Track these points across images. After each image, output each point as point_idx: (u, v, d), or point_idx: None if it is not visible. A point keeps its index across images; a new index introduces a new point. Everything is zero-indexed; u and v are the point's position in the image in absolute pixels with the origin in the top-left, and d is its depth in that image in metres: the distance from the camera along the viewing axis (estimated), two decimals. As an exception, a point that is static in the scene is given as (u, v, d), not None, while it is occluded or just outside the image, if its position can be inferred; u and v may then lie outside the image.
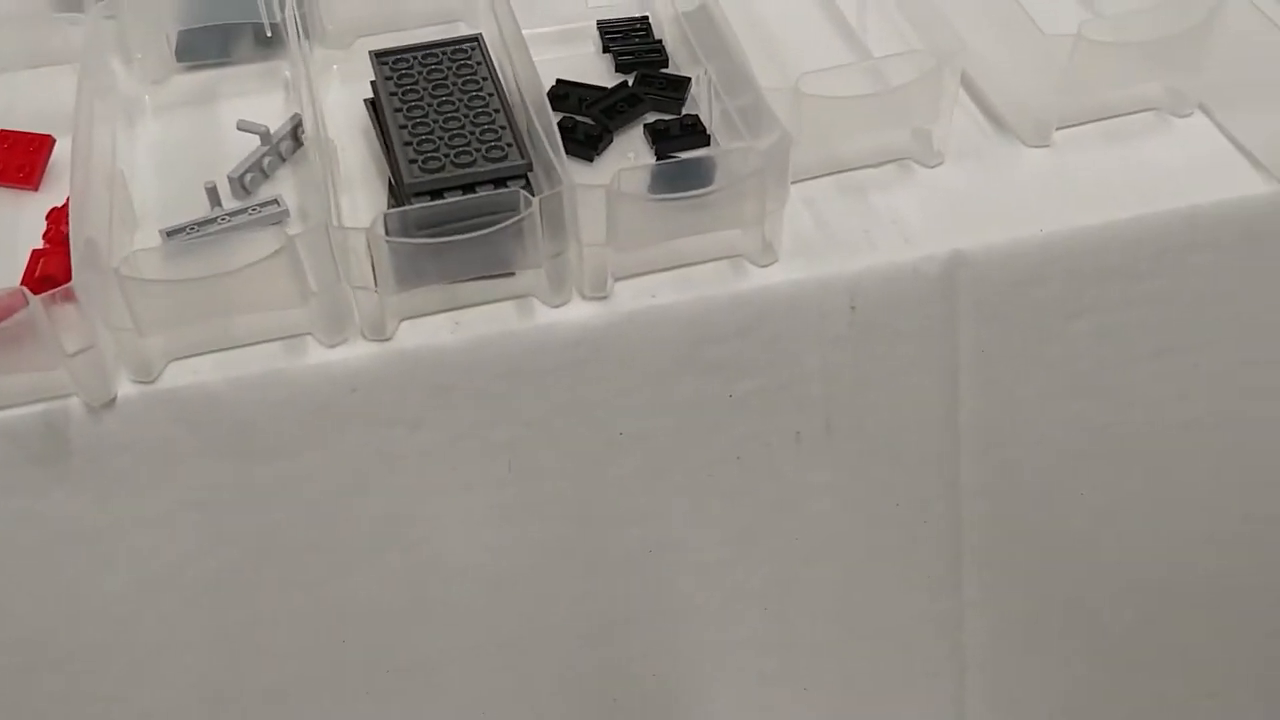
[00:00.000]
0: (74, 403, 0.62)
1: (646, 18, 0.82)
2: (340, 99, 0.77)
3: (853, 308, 0.68)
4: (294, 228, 0.69)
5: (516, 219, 0.62)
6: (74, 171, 0.62)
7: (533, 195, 0.66)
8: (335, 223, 0.61)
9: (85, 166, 0.63)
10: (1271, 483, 0.79)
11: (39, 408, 0.61)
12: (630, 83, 0.77)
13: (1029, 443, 0.75)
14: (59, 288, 0.58)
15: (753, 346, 0.68)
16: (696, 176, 0.64)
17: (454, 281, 0.65)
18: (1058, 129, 0.74)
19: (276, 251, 0.59)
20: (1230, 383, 0.75)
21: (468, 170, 0.67)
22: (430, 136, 0.69)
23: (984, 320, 0.70)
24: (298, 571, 0.67)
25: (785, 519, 0.73)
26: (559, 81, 0.77)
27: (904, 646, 0.80)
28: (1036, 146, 0.73)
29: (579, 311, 0.66)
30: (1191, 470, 0.78)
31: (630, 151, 0.74)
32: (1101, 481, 0.77)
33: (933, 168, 0.72)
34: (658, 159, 0.72)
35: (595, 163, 0.73)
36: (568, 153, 0.72)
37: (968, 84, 0.75)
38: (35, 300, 0.57)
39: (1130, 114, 0.75)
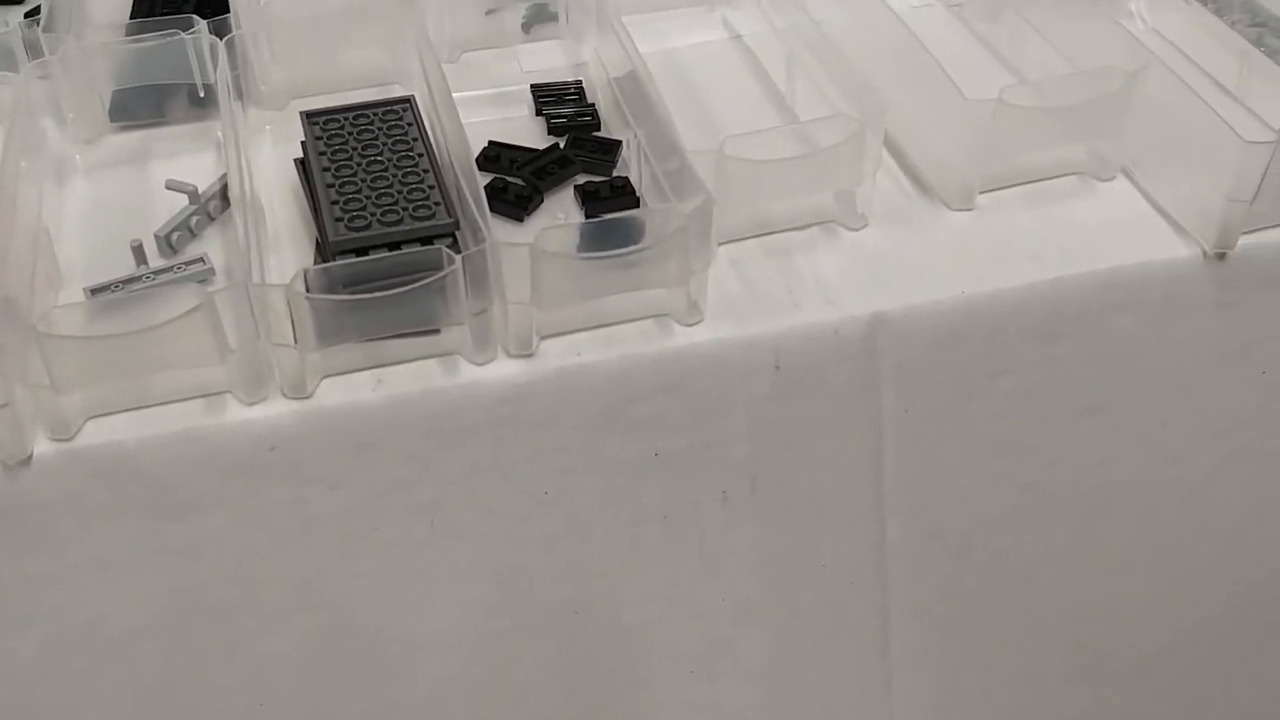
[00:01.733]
0: (-12, 460, 0.61)
1: (580, 82, 0.83)
2: (271, 159, 0.77)
3: (777, 367, 0.68)
4: (219, 285, 0.69)
5: (439, 276, 0.62)
6: (-4, 231, 0.62)
7: (459, 253, 0.66)
8: (256, 280, 0.61)
9: (8, 225, 0.63)
10: (1192, 542, 0.80)
11: (-48, 465, 0.61)
12: (562, 145, 0.78)
13: (954, 502, 0.75)
14: (-30, 347, 0.58)
15: (678, 405, 0.68)
16: (621, 236, 0.65)
17: (377, 339, 0.65)
18: (981, 192, 0.75)
19: (195, 308, 0.59)
20: (1151, 443, 0.76)
21: (394, 229, 0.67)
22: (358, 195, 0.69)
23: (906, 380, 0.71)
24: (215, 631, 0.67)
25: (712, 579, 0.73)
26: (491, 143, 0.78)
27: (831, 708, 0.79)
28: (960, 209, 0.74)
29: (503, 369, 0.66)
30: (1115, 529, 0.78)
31: (560, 212, 0.75)
32: (1027, 540, 0.77)
33: (856, 230, 0.73)
34: (587, 220, 0.73)
35: (525, 223, 0.74)
36: (498, 213, 0.73)
37: (892, 147, 0.77)
38: (-52, 357, 0.57)
39: (1053, 177, 0.76)
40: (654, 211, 0.67)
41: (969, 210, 0.74)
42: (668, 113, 0.71)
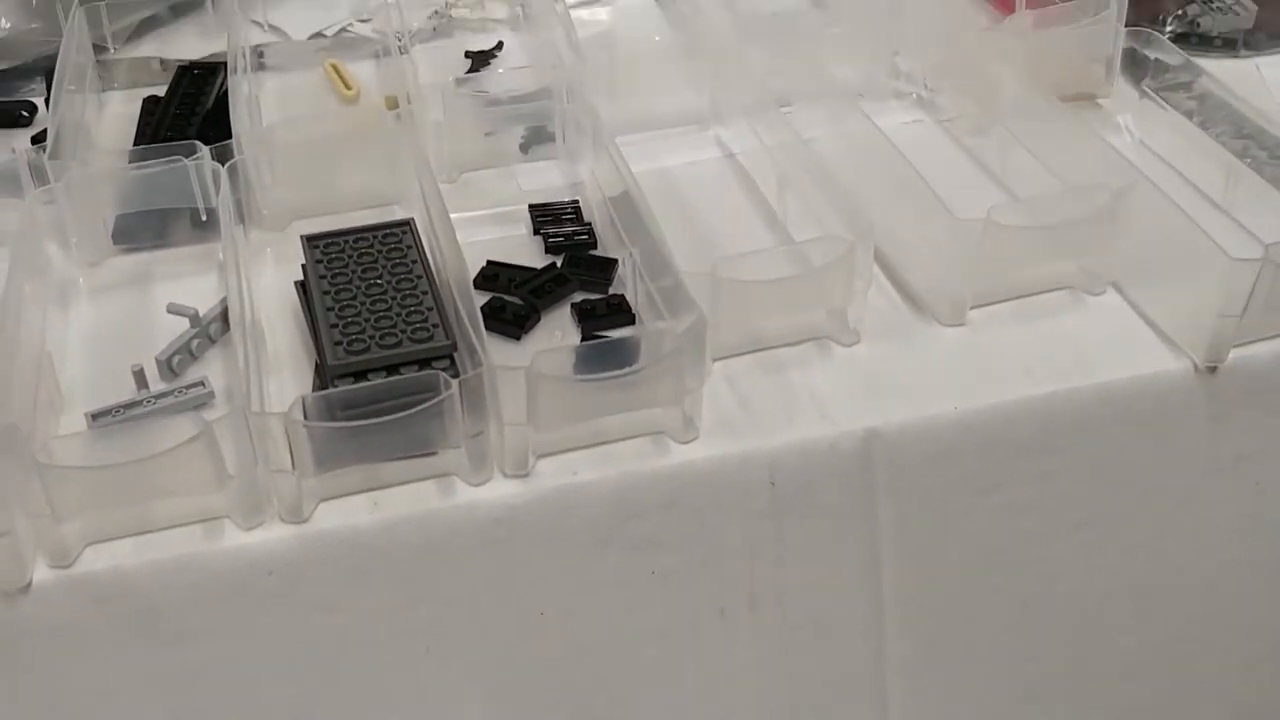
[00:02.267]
0: (-13, 588, 0.61)
1: (577, 201, 0.84)
2: (273, 281, 0.78)
3: (773, 483, 0.69)
4: (219, 410, 0.70)
5: (436, 400, 0.63)
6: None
7: (456, 375, 0.67)
8: (256, 407, 0.62)
9: (11, 351, 0.64)
10: (1190, 653, 0.80)
11: (-47, 594, 0.61)
12: (559, 264, 0.79)
13: (952, 615, 0.75)
14: (-28, 475, 0.58)
15: (675, 522, 0.68)
16: (617, 357, 0.66)
17: (373, 462, 0.65)
18: (972, 308, 0.76)
19: (194, 438, 0.60)
20: (1146, 555, 0.76)
21: (392, 351, 0.68)
22: (357, 318, 0.70)
23: (902, 495, 0.71)
24: (211, 758, 0.66)
25: (711, 696, 0.73)
26: (489, 262, 0.79)
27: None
28: (952, 325, 0.75)
29: (500, 490, 0.66)
30: (1113, 639, 0.78)
31: (557, 330, 0.76)
32: (1025, 653, 0.77)
33: (849, 346, 0.74)
34: (584, 338, 0.74)
35: (523, 341, 0.75)
36: (496, 332, 0.74)
37: (884, 265, 0.78)
38: (-51, 488, 0.57)
39: (1044, 292, 0.77)
40: (649, 332, 0.68)
41: (961, 326, 0.75)
42: (661, 232, 0.72)
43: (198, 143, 0.77)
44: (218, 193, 0.77)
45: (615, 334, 0.74)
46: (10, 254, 0.70)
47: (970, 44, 0.91)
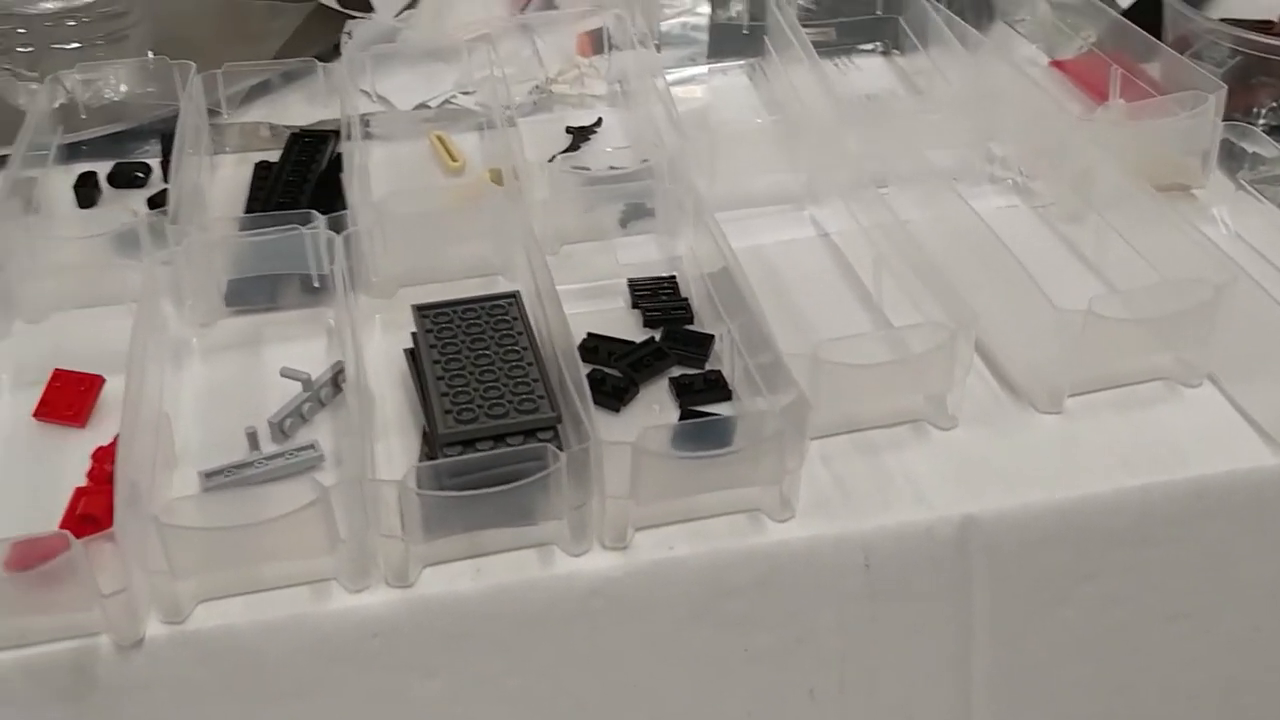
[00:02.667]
0: (102, 641, 0.63)
1: (674, 277, 0.86)
2: (381, 347, 0.80)
3: (867, 566, 0.69)
4: (328, 473, 0.72)
5: (544, 474, 0.64)
6: (125, 416, 0.65)
7: (561, 447, 0.69)
8: (370, 475, 0.64)
9: (135, 411, 0.66)
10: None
11: (68, 645, 0.63)
12: (657, 338, 0.81)
13: (1042, 704, 0.75)
14: (100, 532, 0.60)
15: (768, 601, 0.69)
16: (721, 436, 0.67)
17: (479, 530, 0.66)
18: (1069, 396, 0.76)
19: (312, 503, 0.61)
20: (1242, 648, 0.75)
21: (500, 421, 0.70)
22: (465, 388, 0.72)
23: (996, 581, 0.71)
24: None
25: (798, 777, 0.73)
26: (589, 335, 0.81)
27: None
28: (1048, 413, 0.76)
29: (598, 561, 0.67)
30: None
31: (655, 404, 0.77)
32: (1117, 746, 0.77)
33: (946, 430, 0.74)
34: (681, 413, 0.75)
35: (621, 413, 0.76)
36: (596, 403, 0.76)
37: (980, 349, 0.78)
38: (77, 544, 0.59)
39: (1140, 383, 0.77)
40: (751, 412, 0.69)
41: (1057, 414, 0.76)
42: (761, 310, 0.73)
43: (314, 212, 0.80)
44: (331, 260, 0.80)
45: (713, 409, 0.75)
46: (135, 314, 0.73)
47: (1066, 132, 0.92)
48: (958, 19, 1.03)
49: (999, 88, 0.96)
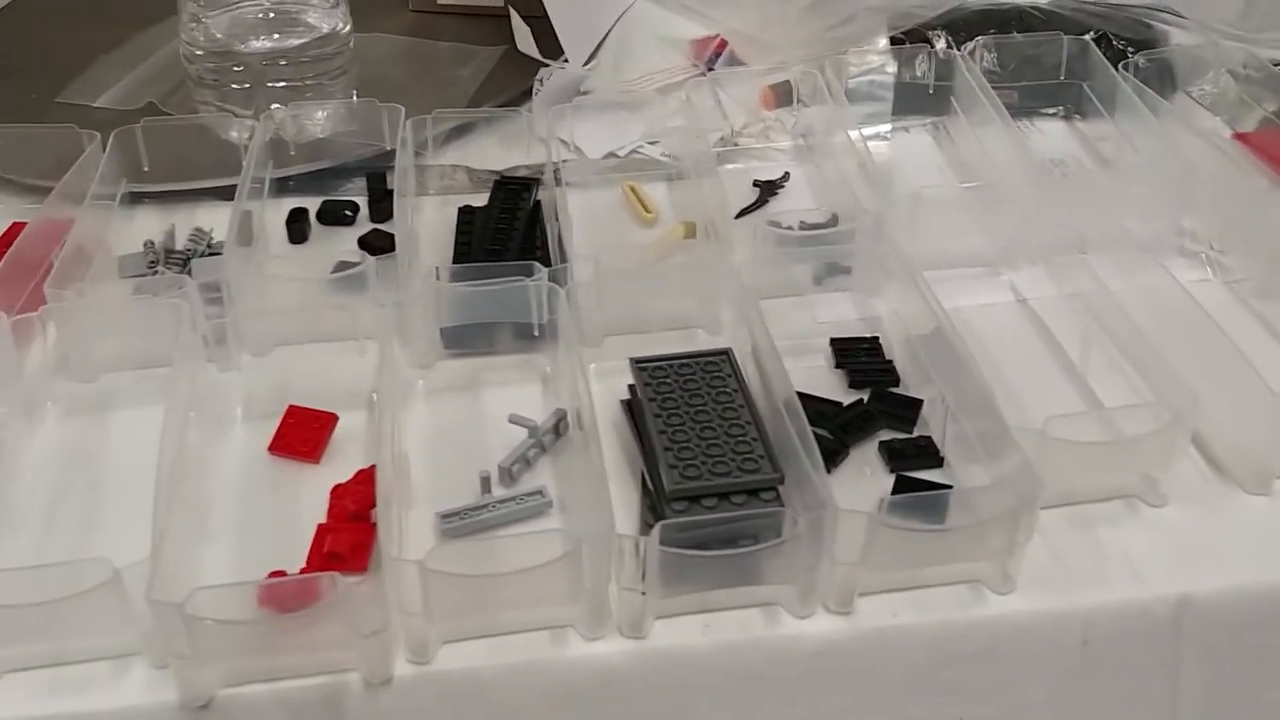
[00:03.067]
0: (354, 678, 0.66)
1: (877, 338, 0.87)
2: (595, 395, 0.82)
3: (1085, 642, 0.70)
4: (555, 519, 0.74)
5: (782, 540, 0.66)
6: (380, 458, 0.68)
7: (782, 504, 0.71)
8: (614, 529, 0.66)
9: (389, 453, 0.69)
10: None
11: (321, 680, 0.66)
12: (865, 400, 0.82)
13: (1248, 786, 0.75)
14: (360, 574, 0.63)
15: (986, 672, 0.70)
16: (950, 509, 0.68)
17: (713, 588, 0.68)
18: (1278, 479, 0.77)
19: (564, 555, 0.64)
20: None
21: (723, 480, 0.72)
22: (688, 444, 0.74)
23: (1207, 662, 0.72)
24: None
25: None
26: (797, 394, 0.82)
27: None
28: (1256, 494, 0.76)
29: (822, 625, 0.69)
30: None
31: (865, 467, 0.78)
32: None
33: (1157, 508, 0.75)
34: (895, 479, 0.77)
35: (832, 474, 0.78)
36: (808, 466, 0.77)
37: (1189, 428, 0.79)
38: (344, 585, 0.62)
39: (1350, 467, 0.78)
40: (984, 488, 0.71)
41: (1265, 495, 0.76)
42: (982, 375, 0.75)
43: (537, 264, 0.82)
44: (553, 311, 0.82)
45: (923, 475, 0.77)
46: (379, 356, 0.76)
47: (1261, 206, 0.93)
48: (1146, 88, 1.03)
49: (1190, 159, 0.96)
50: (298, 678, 0.66)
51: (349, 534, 0.71)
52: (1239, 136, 1.09)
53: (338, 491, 0.74)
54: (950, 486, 0.75)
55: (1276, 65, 1.09)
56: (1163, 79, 1.10)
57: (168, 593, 0.62)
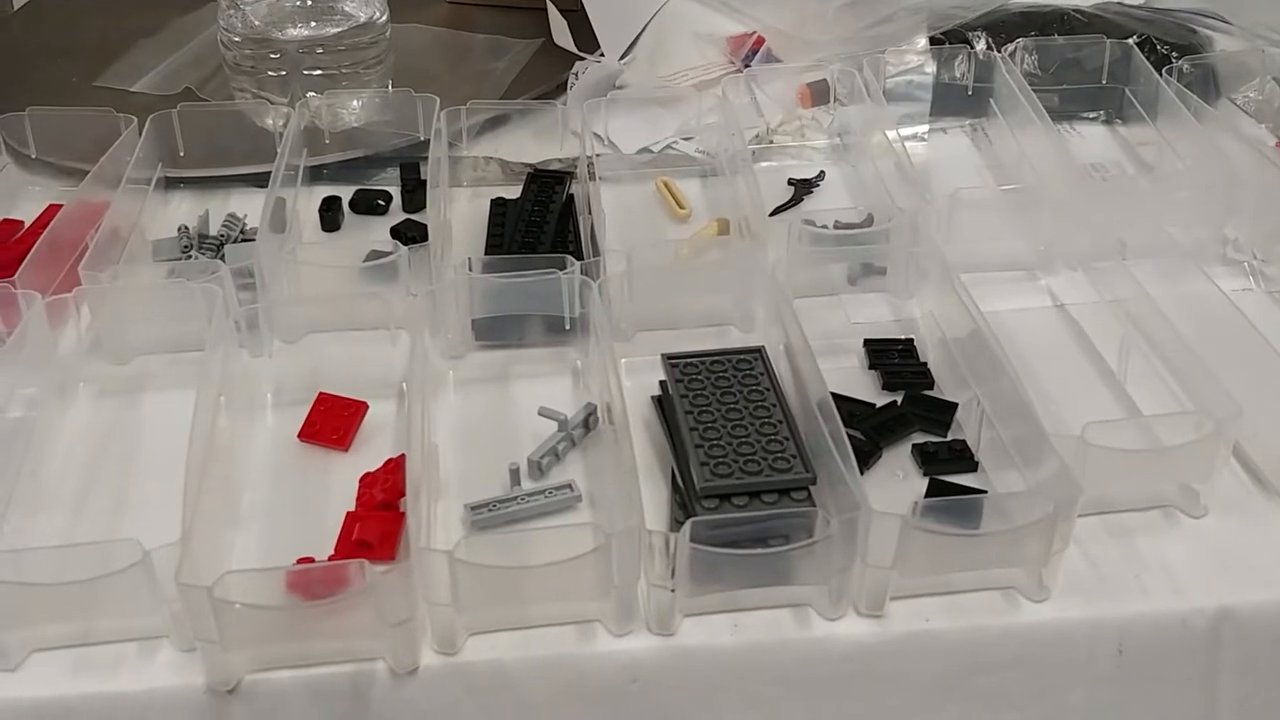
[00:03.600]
0: (380, 667, 0.65)
1: (911, 340, 0.86)
2: (626, 390, 0.82)
3: (1120, 651, 0.69)
4: (583, 513, 0.73)
5: (815, 540, 0.65)
6: (411, 448, 0.68)
7: (814, 505, 0.70)
8: (644, 524, 0.65)
9: (419, 444, 0.69)
10: None
11: (348, 668, 0.65)
12: (899, 402, 0.81)
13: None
14: (390, 563, 0.63)
15: (1020, 679, 0.69)
16: (988, 515, 0.67)
17: (742, 587, 0.68)
18: (1320, 491, 0.75)
19: (594, 549, 0.63)
20: None
21: (755, 479, 0.71)
22: (719, 441, 0.73)
23: (1245, 676, 0.71)
24: None
25: None
26: (830, 394, 0.81)
27: None
28: (1298, 507, 0.75)
29: (854, 627, 0.68)
30: None
31: (899, 470, 0.77)
32: None
33: (1197, 518, 0.74)
34: (929, 482, 0.76)
35: (864, 476, 0.77)
36: (839, 465, 0.76)
37: (1230, 438, 0.78)
38: (374, 573, 0.61)
39: (1391, 481, 0.77)
40: (1021, 495, 0.70)
41: (1307, 508, 0.75)
42: (1020, 380, 0.74)
43: (569, 258, 0.82)
44: (585, 305, 0.82)
45: (957, 479, 0.76)
46: (410, 346, 0.76)
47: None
48: (1190, 94, 1.02)
49: (1234, 166, 0.95)
50: (324, 665, 0.65)
51: (377, 523, 0.70)
52: (1283, 145, 1.07)
53: (366, 480, 0.74)
54: (984, 491, 0.74)
55: (1323, 73, 1.07)
56: (1207, 85, 1.09)
57: (197, 576, 0.62)
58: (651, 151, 1.07)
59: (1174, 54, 1.11)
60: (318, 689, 0.65)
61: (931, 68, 1.09)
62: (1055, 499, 0.66)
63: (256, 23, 1.05)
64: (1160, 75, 1.04)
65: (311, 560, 0.68)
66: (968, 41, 1.12)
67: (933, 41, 1.12)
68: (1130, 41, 1.10)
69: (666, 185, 1.02)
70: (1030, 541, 0.67)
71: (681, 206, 1.00)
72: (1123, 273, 0.85)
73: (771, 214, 1.00)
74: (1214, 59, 1.10)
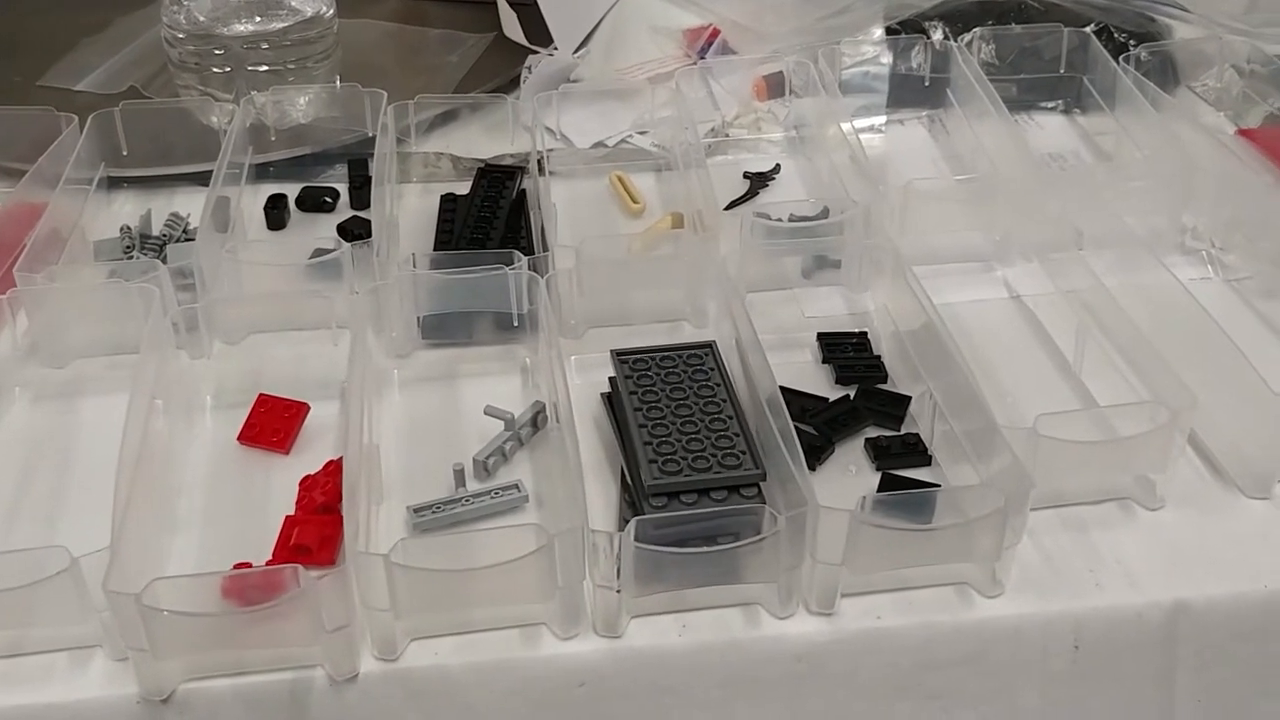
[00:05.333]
0: (319, 674, 0.64)
1: (865, 333, 0.85)
2: (573, 386, 0.80)
3: (1076, 647, 0.68)
4: (530, 514, 0.72)
5: (763, 536, 0.63)
6: (348, 451, 0.66)
7: (764, 503, 0.68)
8: (588, 524, 0.64)
9: (357, 446, 0.67)
10: None
11: (286, 676, 0.64)
12: (851, 396, 0.80)
13: (1241, 798, 0.73)
14: (327, 569, 0.61)
15: (973, 677, 0.68)
16: (937, 509, 0.66)
17: (690, 586, 0.66)
18: (1278, 482, 0.74)
19: (536, 550, 0.61)
20: None
21: (704, 475, 0.70)
22: (668, 438, 0.72)
23: (1202, 670, 0.70)
24: None
25: None
26: (781, 389, 0.80)
27: None
28: (1256, 498, 0.74)
29: (804, 626, 0.67)
30: None
31: (851, 465, 0.76)
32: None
33: (1153, 510, 0.73)
34: (881, 476, 0.74)
35: (817, 472, 0.76)
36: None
37: (1186, 429, 0.77)
38: (309, 579, 0.59)
39: (1351, 471, 0.76)
40: (972, 489, 0.69)
41: (1265, 499, 0.74)
42: (972, 373, 0.73)
43: (517, 253, 0.80)
44: (531, 301, 0.80)
45: (911, 474, 0.74)
46: (350, 345, 0.74)
47: (1265, 204, 0.91)
48: (1148, 82, 1.01)
49: (1192, 156, 0.94)
50: (261, 673, 0.64)
51: (317, 527, 0.69)
52: (1243, 133, 1.06)
53: (306, 483, 0.72)
54: (936, 485, 0.73)
55: (1281, 60, 1.06)
56: (1165, 73, 1.08)
57: (127, 583, 0.60)
58: (606, 146, 1.06)
59: (1132, 42, 1.10)
60: (255, 698, 0.64)
61: (888, 58, 1.08)
62: (1007, 492, 0.65)
63: (201, 18, 1.03)
64: (1118, 63, 1.03)
65: (249, 565, 0.67)
66: (924, 32, 1.11)
67: (889, 32, 1.11)
68: (1088, 30, 1.09)
69: (620, 180, 1.00)
70: (981, 536, 0.65)
71: (635, 201, 0.98)
72: (1079, 263, 0.84)
73: (726, 208, 0.98)
74: (1172, 47, 1.10)
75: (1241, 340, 0.75)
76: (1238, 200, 0.93)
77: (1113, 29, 1.12)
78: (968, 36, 1.08)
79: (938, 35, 1.10)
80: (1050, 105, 1.10)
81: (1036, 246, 0.90)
